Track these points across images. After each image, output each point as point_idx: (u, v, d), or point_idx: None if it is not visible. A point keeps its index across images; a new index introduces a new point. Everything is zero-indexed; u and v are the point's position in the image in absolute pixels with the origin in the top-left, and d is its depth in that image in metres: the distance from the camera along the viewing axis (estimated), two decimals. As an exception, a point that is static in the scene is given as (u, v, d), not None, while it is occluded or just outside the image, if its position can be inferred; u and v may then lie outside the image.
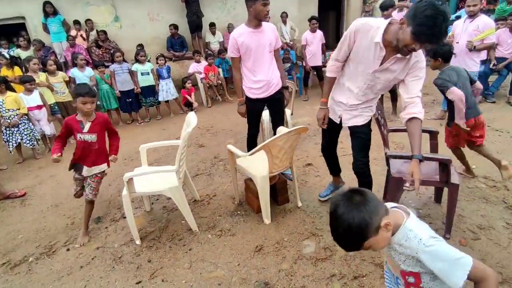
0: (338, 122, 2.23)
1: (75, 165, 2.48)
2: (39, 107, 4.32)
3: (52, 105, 4.65)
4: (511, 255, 1.99)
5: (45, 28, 6.32)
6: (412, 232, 1.03)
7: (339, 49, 1.95)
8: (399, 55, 1.75)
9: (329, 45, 6.93)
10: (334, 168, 2.64)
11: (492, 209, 2.43)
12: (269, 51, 2.73)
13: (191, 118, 2.45)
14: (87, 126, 2.37)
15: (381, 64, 1.83)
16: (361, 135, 2.19)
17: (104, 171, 2.56)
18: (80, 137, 2.37)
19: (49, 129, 4.47)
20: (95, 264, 2.25)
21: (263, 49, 2.69)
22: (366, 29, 1.78)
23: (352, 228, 0.98)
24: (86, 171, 2.46)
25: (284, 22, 7.58)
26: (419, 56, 1.78)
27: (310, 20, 5.72)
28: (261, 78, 2.75)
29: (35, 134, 4.22)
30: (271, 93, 2.82)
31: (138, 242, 2.40)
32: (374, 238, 1.01)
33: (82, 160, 2.44)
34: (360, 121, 2.16)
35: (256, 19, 2.60)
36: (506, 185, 2.72)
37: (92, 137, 2.39)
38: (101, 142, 2.45)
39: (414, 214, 1.12)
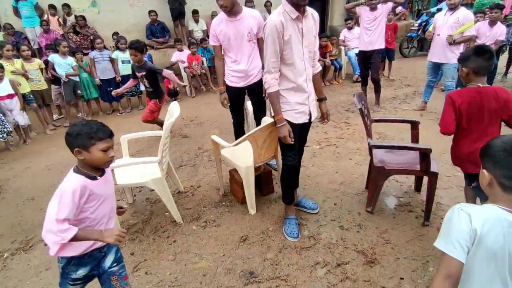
0: (308, 120, 2.09)
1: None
2: (10, 96, 4.09)
3: (27, 94, 4.41)
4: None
5: (16, 12, 5.94)
6: (481, 205, 0.97)
7: (274, 56, 1.85)
8: (302, 12, 1.85)
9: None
10: (292, 191, 2.32)
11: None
12: (248, 40, 2.61)
13: (174, 108, 2.39)
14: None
15: (302, 35, 1.89)
16: (308, 127, 2.23)
17: None
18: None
19: (22, 119, 4.25)
20: (75, 258, 2.18)
21: (241, 38, 2.60)
22: (285, 18, 1.82)
23: None
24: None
25: (269, 11, 7.48)
26: (314, 13, 2.00)
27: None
28: (239, 67, 2.70)
29: (6, 126, 3.99)
30: (249, 83, 2.76)
31: (120, 235, 2.34)
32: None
33: None
34: (315, 106, 2.16)
35: None
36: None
37: None
38: None
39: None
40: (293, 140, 1.99)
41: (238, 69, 2.71)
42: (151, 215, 2.58)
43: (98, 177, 1.34)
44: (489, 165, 0.98)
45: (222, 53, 2.77)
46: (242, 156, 2.41)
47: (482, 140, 1.65)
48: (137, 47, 3.56)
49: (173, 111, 2.38)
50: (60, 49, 4.81)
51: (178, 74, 6.06)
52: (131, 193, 2.80)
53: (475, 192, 1.98)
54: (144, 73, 3.67)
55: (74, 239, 1.22)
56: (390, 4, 4.29)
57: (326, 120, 2.25)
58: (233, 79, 2.77)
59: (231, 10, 2.52)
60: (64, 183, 1.25)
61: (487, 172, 0.98)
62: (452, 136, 1.97)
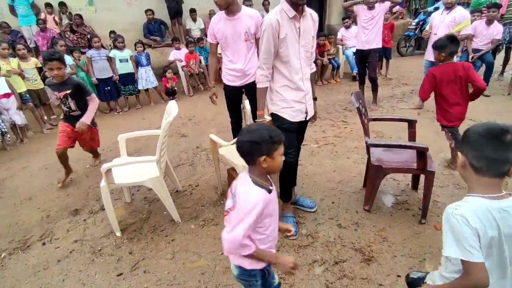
0: (304, 118, 2.12)
1: None
2: (6, 95, 4.06)
3: (23, 93, 4.39)
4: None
5: (12, 10, 5.90)
6: (464, 200, 1.03)
7: (267, 53, 1.88)
8: (300, 11, 1.86)
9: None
10: (291, 189, 2.34)
11: (465, 195, 2.54)
12: (245, 40, 2.61)
13: (172, 107, 2.38)
14: None
15: (299, 34, 1.91)
16: (306, 125, 2.23)
17: None
18: None
19: (19, 118, 4.23)
20: (74, 257, 2.18)
21: (238, 37, 2.60)
22: (281, 17, 1.83)
23: None
24: None
25: (267, 10, 7.47)
26: (313, 14, 2.01)
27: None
28: (236, 67, 2.70)
29: (1, 127, 3.96)
30: (246, 82, 2.75)
31: (118, 234, 2.34)
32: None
33: None
34: (312, 105, 2.17)
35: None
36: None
37: None
38: None
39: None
40: None
41: (235, 68, 2.71)
42: (149, 214, 2.58)
43: (271, 188, 1.21)
44: (463, 147, 1.05)
45: (220, 52, 2.77)
46: (240, 155, 2.41)
47: (460, 104, 2.63)
48: (60, 58, 2.71)
49: (171, 110, 2.37)
50: (57, 48, 4.79)
51: (176, 73, 6.05)
52: (129, 193, 2.80)
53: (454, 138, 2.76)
54: (69, 91, 2.81)
55: (248, 257, 1.17)
56: (387, 4, 4.30)
57: (313, 120, 2.29)
58: (230, 78, 2.77)
59: (228, 9, 2.52)
60: (248, 197, 1.14)
61: (461, 154, 1.05)
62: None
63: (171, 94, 5.85)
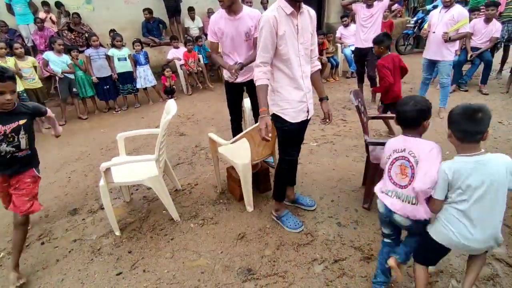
0: (306, 117, 2.08)
1: None
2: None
3: (20, 93, 4.36)
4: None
5: (9, 9, 5.87)
6: (452, 160, 1.39)
7: (264, 50, 1.85)
8: (297, 8, 1.85)
9: (310, 33, 6.89)
10: (285, 189, 2.35)
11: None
12: (245, 40, 2.62)
13: (171, 105, 2.38)
14: None
15: (298, 31, 1.89)
16: (307, 124, 2.19)
17: None
18: None
19: (17, 117, 4.20)
20: (73, 257, 2.18)
21: (239, 37, 2.59)
22: (279, 14, 1.81)
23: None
24: None
25: (265, 9, 7.46)
26: (310, 11, 2.00)
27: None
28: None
29: None
30: (248, 79, 2.75)
31: (117, 233, 2.34)
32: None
33: None
34: (313, 104, 2.13)
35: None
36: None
37: None
38: None
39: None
40: (268, 136, 1.89)
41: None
42: (149, 213, 2.58)
43: None
44: (448, 123, 1.40)
45: (220, 50, 2.77)
46: (240, 153, 2.41)
47: (399, 84, 3.31)
48: (14, 77, 1.87)
49: (169, 108, 2.36)
50: (55, 46, 4.77)
51: (175, 72, 6.04)
52: (128, 192, 2.79)
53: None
54: (23, 121, 1.94)
55: None
56: (386, 2, 4.30)
57: (328, 121, 2.17)
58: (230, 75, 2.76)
59: (230, 8, 2.51)
60: (430, 144, 1.50)
61: (448, 128, 1.41)
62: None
63: (169, 92, 5.84)
